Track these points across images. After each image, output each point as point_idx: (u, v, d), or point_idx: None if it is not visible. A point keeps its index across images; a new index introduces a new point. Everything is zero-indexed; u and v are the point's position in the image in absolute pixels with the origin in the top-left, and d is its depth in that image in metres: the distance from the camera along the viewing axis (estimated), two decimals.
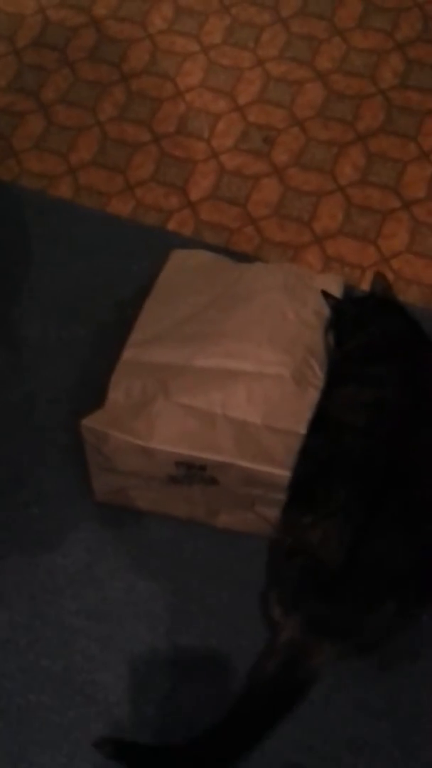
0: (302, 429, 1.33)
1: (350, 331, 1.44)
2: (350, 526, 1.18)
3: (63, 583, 1.40)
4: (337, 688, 1.28)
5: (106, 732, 1.28)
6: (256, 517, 1.37)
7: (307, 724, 1.26)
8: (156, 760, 1.18)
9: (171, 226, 1.79)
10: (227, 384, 1.36)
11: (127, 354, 1.44)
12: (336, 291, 1.53)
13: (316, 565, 1.18)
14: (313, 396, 1.36)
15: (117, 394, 1.38)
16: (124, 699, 1.30)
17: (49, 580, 1.40)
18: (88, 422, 1.34)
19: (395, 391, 1.31)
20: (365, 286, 1.65)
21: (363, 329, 1.43)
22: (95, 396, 1.41)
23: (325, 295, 1.49)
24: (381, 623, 1.18)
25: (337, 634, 1.19)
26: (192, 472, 1.31)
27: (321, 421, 1.31)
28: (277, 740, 1.24)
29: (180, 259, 1.61)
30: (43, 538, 1.44)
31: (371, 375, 1.35)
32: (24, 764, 1.26)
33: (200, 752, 1.17)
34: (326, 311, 1.49)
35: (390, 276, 1.64)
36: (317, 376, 1.39)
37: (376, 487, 1.20)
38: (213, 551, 1.41)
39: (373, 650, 1.22)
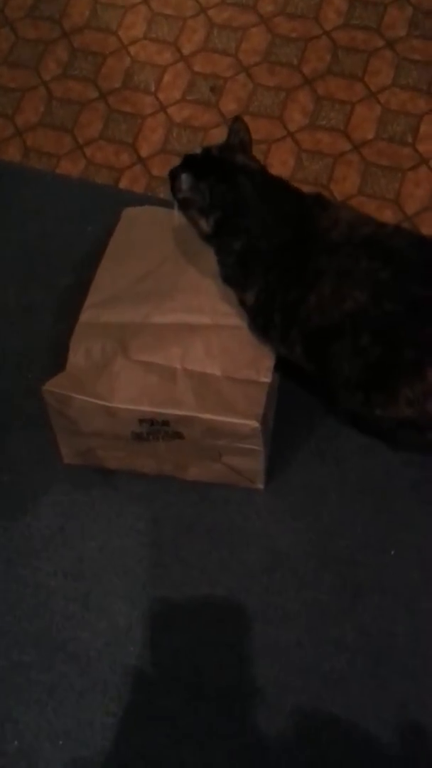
0: (263, 378, 1.34)
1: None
2: None
3: (38, 545, 1.42)
4: (309, 628, 1.32)
5: (89, 687, 1.31)
6: (225, 468, 1.39)
7: (283, 664, 1.30)
8: None
9: (123, 183, 1.77)
10: (185, 338, 1.36)
11: (85, 316, 1.44)
12: None
13: None
14: None
15: (77, 356, 1.39)
16: (104, 653, 1.33)
17: (24, 543, 1.42)
18: (50, 386, 1.34)
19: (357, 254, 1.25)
20: None
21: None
22: (58, 360, 1.41)
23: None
24: None
25: None
26: (156, 428, 1.32)
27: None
28: (256, 680, 1.28)
29: (132, 217, 1.60)
30: (16, 504, 1.46)
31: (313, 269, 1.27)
32: (9, 723, 1.29)
33: None
34: None
35: None
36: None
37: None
38: (183, 504, 1.43)
39: None
